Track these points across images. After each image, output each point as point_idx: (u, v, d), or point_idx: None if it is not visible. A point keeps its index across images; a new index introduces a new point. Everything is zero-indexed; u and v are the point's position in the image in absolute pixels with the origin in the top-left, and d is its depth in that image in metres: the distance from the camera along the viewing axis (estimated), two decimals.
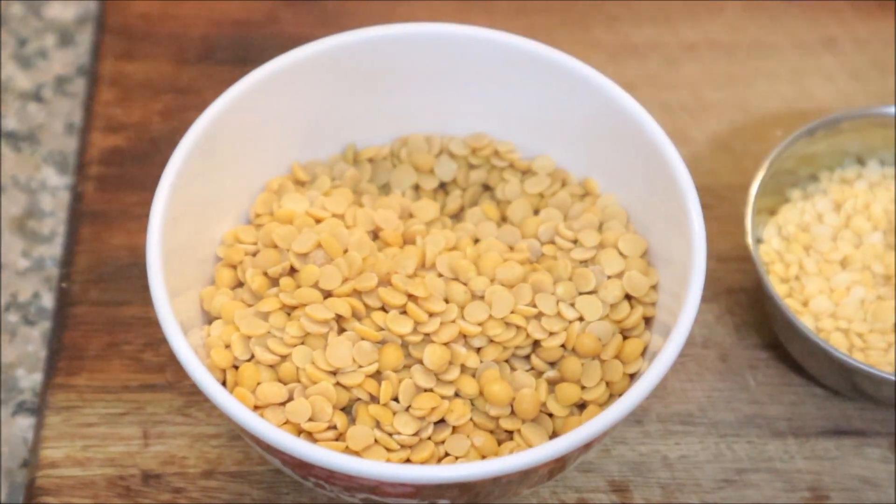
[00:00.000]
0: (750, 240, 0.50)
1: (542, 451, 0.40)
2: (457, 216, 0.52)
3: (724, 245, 0.56)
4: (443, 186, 0.52)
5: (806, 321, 0.51)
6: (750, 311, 0.54)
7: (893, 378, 0.47)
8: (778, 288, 0.52)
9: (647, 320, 0.47)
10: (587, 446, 0.43)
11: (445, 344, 0.45)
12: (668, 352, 0.42)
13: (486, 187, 0.52)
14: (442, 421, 0.45)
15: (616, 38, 0.64)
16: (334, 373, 0.44)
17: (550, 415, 0.46)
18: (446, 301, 0.46)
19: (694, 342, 0.53)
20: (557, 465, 0.43)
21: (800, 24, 0.64)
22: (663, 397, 0.51)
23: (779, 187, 0.54)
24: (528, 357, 0.46)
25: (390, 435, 0.44)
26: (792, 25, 0.64)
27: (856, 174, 0.55)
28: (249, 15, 0.63)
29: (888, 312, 0.50)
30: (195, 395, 0.50)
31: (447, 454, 0.44)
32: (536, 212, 0.51)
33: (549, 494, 0.49)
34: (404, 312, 0.45)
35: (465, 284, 0.47)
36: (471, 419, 0.45)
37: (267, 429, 0.40)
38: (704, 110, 0.61)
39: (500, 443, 0.45)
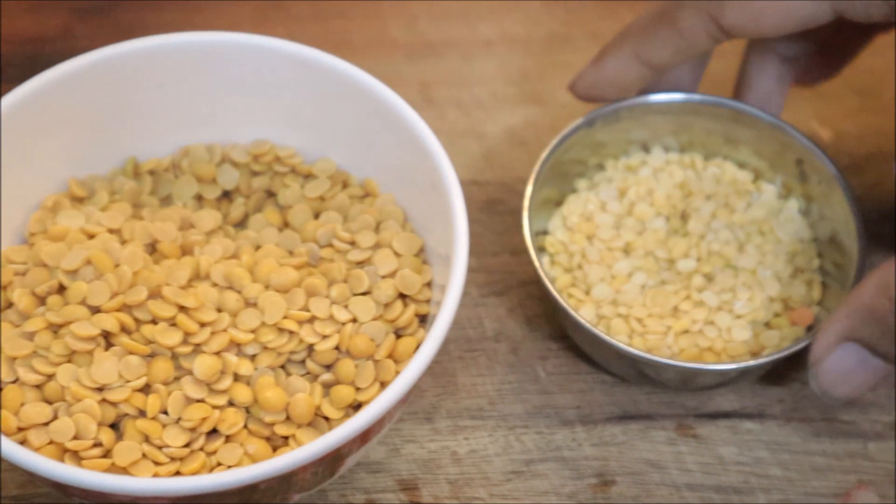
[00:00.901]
0: (527, 232, 0.51)
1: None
2: (242, 224, 0.52)
3: (518, 238, 0.56)
4: (227, 195, 0.52)
5: (588, 309, 0.51)
6: (541, 303, 0.54)
7: (668, 362, 0.48)
8: (563, 278, 0.52)
9: (424, 318, 0.48)
10: (358, 442, 0.43)
11: (217, 353, 0.45)
12: (427, 348, 0.43)
13: (270, 193, 0.52)
14: (217, 431, 0.45)
15: (414, 37, 0.64)
16: (101, 389, 0.44)
17: (327, 418, 0.46)
18: (219, 310, 0.46)
19: (485, 336, 0.54)
20: (328, 469, 0.44)
21: (595, 16, 0.65)
22: (454, 393, 0.52)
23: (567, 178, 0.55)
24: (304, 361, 0.46)
25: (160, 448, 0.44)
26: (587, 18, 0.65)
27: (640, 161, 0.56)
28: (43, 31, 0.63)
29: (666, 297, 0.51)
30: None
31: (220, 464, 0.44)
32: (317, 215, 0.51)
33: (338, 497, 0.49)
34: (175, 324, 0.45)
35: (239, 293, 0.47)
36: (246, 427, 0.45)
37: (10, 449, 0.40)
38: (500, 105, 0.62)
39: (275, 449, 0.45)
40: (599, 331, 0.48)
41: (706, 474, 0.50)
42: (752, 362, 0.48)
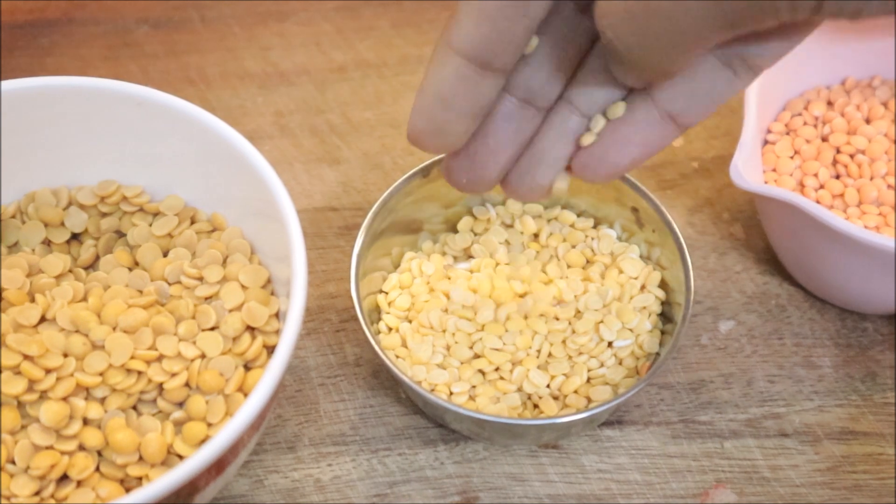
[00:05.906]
0: (356, 298, 0.50)
1: None
2: (93, 266, 0.52)
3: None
4: (76, 238, 0.52)
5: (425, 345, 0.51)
6: None
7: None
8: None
9: (274, 349, 0.48)
10: (212, 474, 0.43)
11: (64, 399, 0.45)
12: (268, 378, 0.43)
13: (120, 234, 0.52)
14: (67, 477, 0.44)
15: (267, 68, 0.64)
16: None
17: (181, 455, 0.45)
18: (65, 355, 0.46)
19: (346, 361, 0.54)
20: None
21: None
22: (316, 420, 0.52)
23: (415, 222, 0.54)
24: (155, 400, 0.46)
25: (8, 499, 0.43)
26: (437, 36, 0.65)
27: (485, 221, 0.55)
28: None
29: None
30: None
31: None
32: (166, 253, 0.51)
33: None
34: (20, 372, 0.45)
35: (86, 336, 0.46)
36: (98, 470, 0.45)
37: None
38: (355, 130, 0.62)
39: (129, 490, 0.45)
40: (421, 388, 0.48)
41: (568, 484, 0.50)
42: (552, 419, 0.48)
